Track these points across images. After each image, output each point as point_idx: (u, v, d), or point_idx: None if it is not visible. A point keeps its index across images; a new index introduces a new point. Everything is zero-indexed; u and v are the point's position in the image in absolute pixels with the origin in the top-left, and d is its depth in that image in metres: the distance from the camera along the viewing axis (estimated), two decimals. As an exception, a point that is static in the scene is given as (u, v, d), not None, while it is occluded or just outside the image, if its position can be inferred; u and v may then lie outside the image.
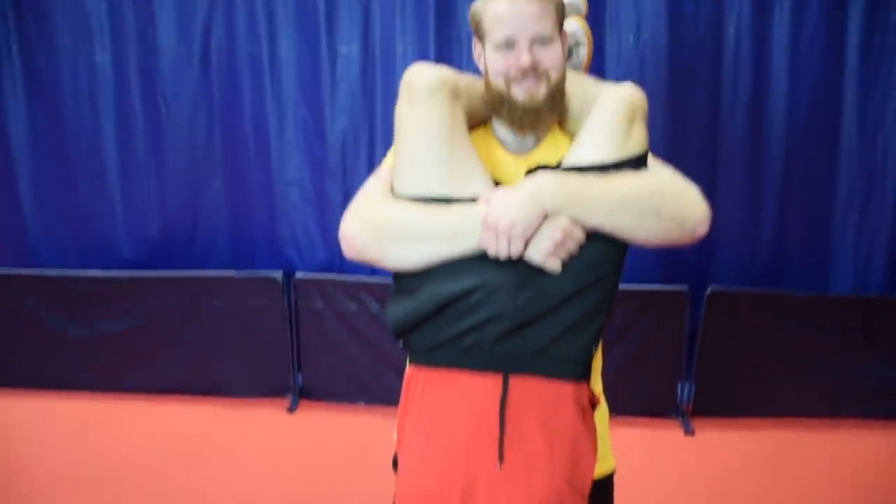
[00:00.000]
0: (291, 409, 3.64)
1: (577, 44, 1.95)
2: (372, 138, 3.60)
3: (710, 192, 3.38)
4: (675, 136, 3.41)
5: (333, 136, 3.61)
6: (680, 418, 3.48)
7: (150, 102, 3.71)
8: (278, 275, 3.54)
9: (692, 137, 3.43)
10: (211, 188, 3.75)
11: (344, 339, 3.58)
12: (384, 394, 3.53)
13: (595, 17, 3.34)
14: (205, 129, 3.71)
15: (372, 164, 3.58)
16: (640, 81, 3.30)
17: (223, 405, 3.69)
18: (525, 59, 1.41)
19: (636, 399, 3.46)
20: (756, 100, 3.37)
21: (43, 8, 3.67)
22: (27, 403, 3.74)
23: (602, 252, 1.34)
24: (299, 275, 3.58)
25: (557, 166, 1.42)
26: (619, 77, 3.38)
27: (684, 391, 3.54)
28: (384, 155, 3.52)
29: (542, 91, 1.44)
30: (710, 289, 3.34)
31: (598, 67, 3.34)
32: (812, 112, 3.36)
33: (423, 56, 3.46)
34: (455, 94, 1.43)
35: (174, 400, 3.73)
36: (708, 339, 3.40)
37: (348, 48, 3.54)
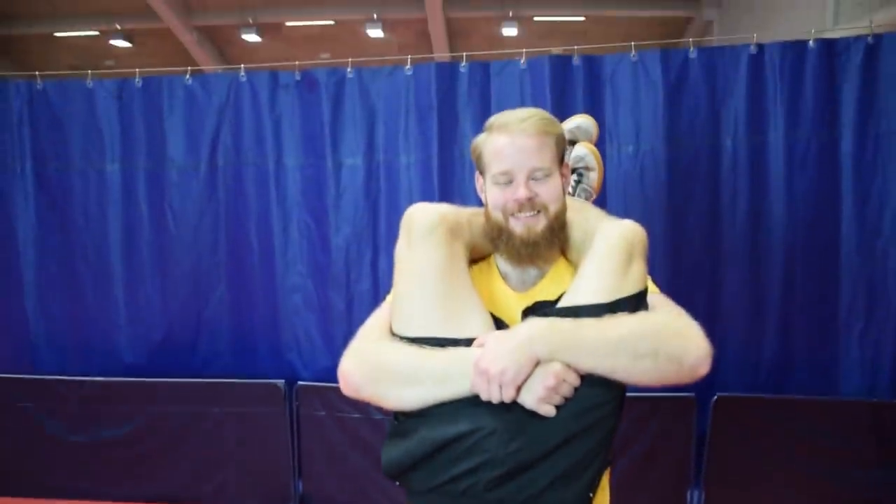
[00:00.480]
0: (292, 520, 3.56)
1: (588, 168, 1.98)
2: (375, 247, 3.62)
3: (713, 299, 3.42)
4: (676, 245, 3.44)
5: (337, 244, 3.65)
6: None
7: (157, 210, 3.76)
8: (280, 382, 3.52)
9: (693, 245, 3.46)
10: (214, 295, 3.76)
11: (346, 447, 3.52)
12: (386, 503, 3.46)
13: (594, 128, 3.42)
14: (210, 236, 3.75)
15: (375, 273, 3.61)
16: (640, 190, 3.40)
17: (222, 514, 3.61)
18: (522, 193, 1.43)
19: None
20: (755, 207, 3.41)
21: (57, 118, 3.78)
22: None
23: (598, 395, 1.32)
24: (301, 382, 3.55)
25: (556, 301, 1.42)
26: (619, 186, 3.45)
27: (694, 498, 3.46)
28: (387, 264, 3.58)
29: (540, 224, 1.46)
30: (716, 395, 3.30)
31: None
32: (811, 218, 3.39)
33: (426, 168, 3.54)
34: (454, 231, 1.45)
35: (173, 509, 3.65)
36: (716, 445, 3.34)
37: (353, 160, 3.61)
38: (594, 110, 3.43)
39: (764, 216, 3.41)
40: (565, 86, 3.47)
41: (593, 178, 2.02)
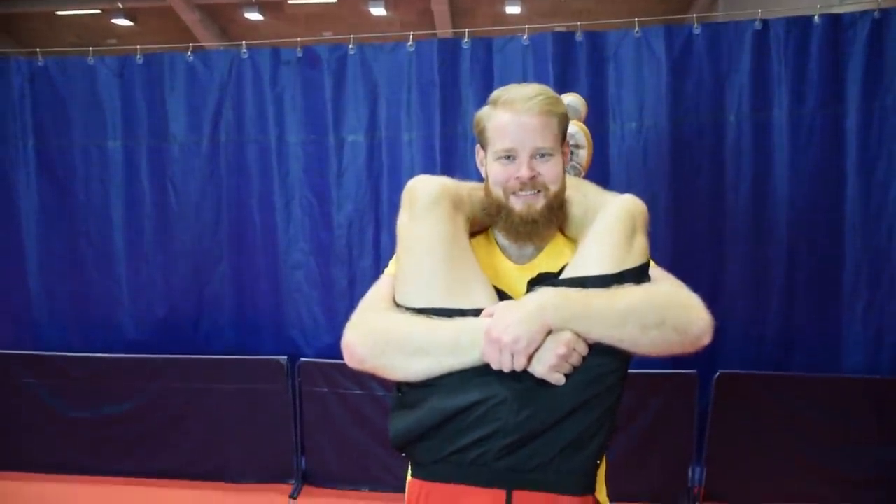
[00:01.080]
0: (294, 496, 3.58)
1: (578, 146, 2.00)
2: (377, 224, 3.62)
3: (716, 275, 3.42)
4: (680, 221, 3.43)
5: (339, 221, 3.64)
6: (691, 504, 3.41)
7: (159, 187, 3.76)
8: (283, 359, 3.53)
9: (696, 221, 3.45)
10: (216, 271, 3.77)
11: (348, 423, 3.54)
12: (389, 479, 3.48)
13: (599, 105, 3.41)
14: (212, 212, 3.75)
15: (377, 250, 3.61)
16: (643, 167, 3.39)
17: (224, 490, 3.63)
18: (524, 171, 1.44)
19: (647, 484, 3.39)
20: (758, 183, 3.39)
21: (58, 95, 3.77)
22: (27, 486, 3.69)
23: (605, 364, 1.34)
24: (304, 359, 3.57)
25: (559, 274, 1.43)
26: (622, 162, 3.44)
27: (695, 475, 3.47)
28: (389, 241, 3.58)
29: (540, 203, 1.47)
30: (719, 372, 3.31)
31: (602, 153, 3.39)
32: (815, 193, 3.38)
33: (428, 144, 3.52)
34: (456, 204, 1.45)
35: (175, 484, 3.68)
36: (718, 422, 3.35)
37: (355, 136, 3.60)
38: (597, 87, 3.42)
39: (767, 192, 3.40)
40: (568, 62, 3.45)
41: (583, 155, 2.04)
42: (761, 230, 3.42)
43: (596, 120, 3.36)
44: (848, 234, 3.39)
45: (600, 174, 3.33)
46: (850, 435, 3.35)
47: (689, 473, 3.44)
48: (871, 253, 3.38)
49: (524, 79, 3.41)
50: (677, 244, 3.41)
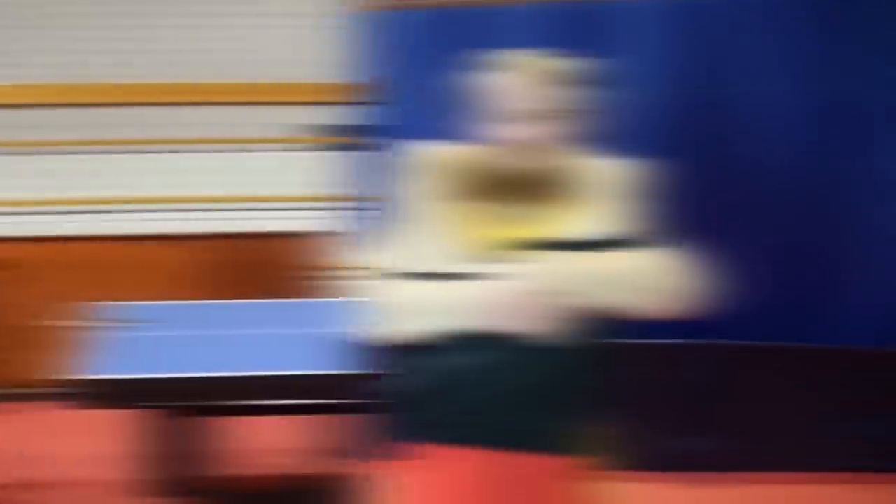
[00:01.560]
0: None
1: (575, 111, 2.01)
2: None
3: (721, 248, 3.38)
4: (685, 194, 3.39)
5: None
6: (684, 473, 3.43)
7: None
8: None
9: (704, 195, 3.39)
10: None
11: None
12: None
13: (607, 75, 3.35)
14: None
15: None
16: (648, 138, 3.36)
17: None
18: (523, 132, 1.46)
19: (648, 454, 3.40)
20: (767, 154, 3.34)
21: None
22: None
23: (595, 329, 1.39)
24: None
25: (552, 238, 1.47)
26: (631, 132, 3.38)
27: (692, 448, 3.49)
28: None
29: (539, 165, 1.49)
30: (717, 343, 3.31)
31: (611, 124, 3.34)
32: (825, 165, 3.33)
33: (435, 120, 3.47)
34: (456, 169, 1.50)
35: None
36: (716, 394, 3.36)
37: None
38: (606, 55, 3.35)
39: (780, 167, 3.35)
40: (572, 32, 3.40)
41: (580, 122, 2.05)
42: (764, 200, 3.39)
43: (604, 90, 3.31)
44: (852, 202, 3.35)
45: (609, 144, 3.29)
46: (853, 407, 3.36)
47: (686, 446, 3.46)
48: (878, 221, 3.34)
49: (529, 47, 3.37)
50: (684, 216, 3.37)
